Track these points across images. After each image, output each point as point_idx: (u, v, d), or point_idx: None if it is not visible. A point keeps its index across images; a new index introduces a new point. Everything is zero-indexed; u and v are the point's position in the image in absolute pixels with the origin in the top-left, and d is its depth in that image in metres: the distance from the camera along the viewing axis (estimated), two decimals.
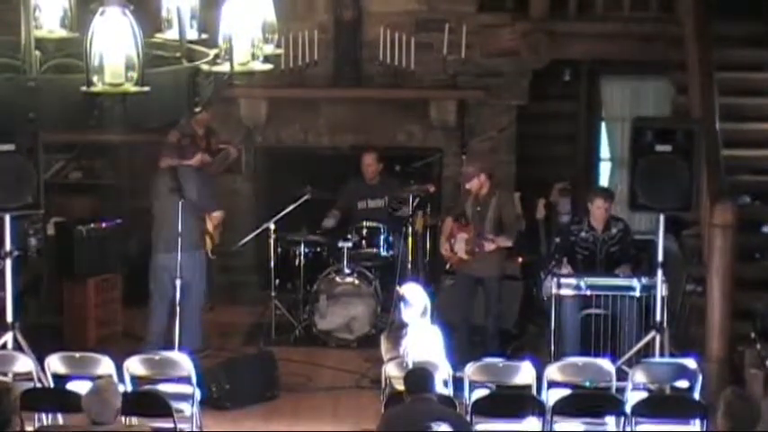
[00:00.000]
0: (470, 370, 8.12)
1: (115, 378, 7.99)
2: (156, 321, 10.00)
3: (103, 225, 10.52)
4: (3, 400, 6.24)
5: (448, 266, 10.48)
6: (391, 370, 8.10)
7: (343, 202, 11.33)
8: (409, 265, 10.81)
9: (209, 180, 10.55)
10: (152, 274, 10.09)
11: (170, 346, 9.31)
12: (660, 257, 9.32)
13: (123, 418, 7.65)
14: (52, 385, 8.05)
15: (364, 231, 10.95)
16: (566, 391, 8.04)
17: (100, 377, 7.77)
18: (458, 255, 10.11)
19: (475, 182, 10.03)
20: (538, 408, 7.80)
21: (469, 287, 10.15)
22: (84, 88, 4.43)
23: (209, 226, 10.28)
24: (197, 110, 5.10)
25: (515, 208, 10.60)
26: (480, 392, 8.04)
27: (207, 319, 10.54)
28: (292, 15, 11.32)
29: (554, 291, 9.63)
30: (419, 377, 6.96)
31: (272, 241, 10.86)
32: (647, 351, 9.21)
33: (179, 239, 9.74)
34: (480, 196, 10.06)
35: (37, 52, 4.82)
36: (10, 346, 8.89)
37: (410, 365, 7.77)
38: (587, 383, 8.35)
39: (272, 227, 10.83)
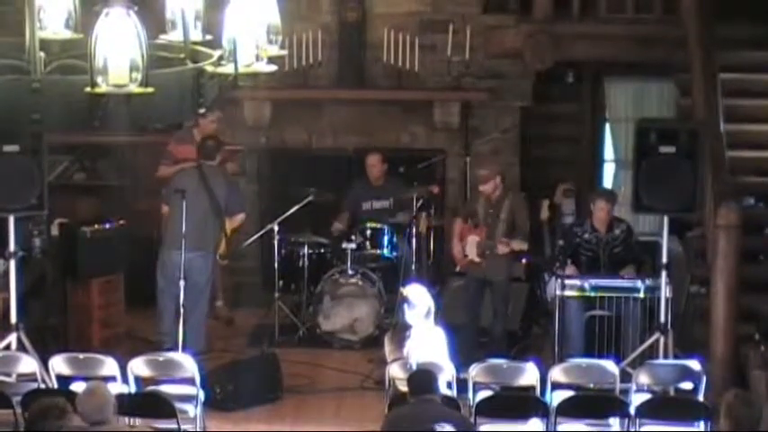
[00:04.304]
0: (474, 371, 8.12)
1: (119, 379, 8.02)
2: (167, 322, 9.93)
3: (107, 226, 10.51)
4: (47, 421, 6.15)
5: (457, 268, 10.47)
6: (395, 371, 8.09)
7: (349, 205, 11.34)
8: (413, 267, 10.81)
9: (234, 182, 10.59)
10: (163, 272, 10.02)
11: (174, 348, 9.32)
12: (664, 259, 9.33)
13: (127, 419, 7.69)
14: (56, 386, 8.05)
15: (368, 232, 10.95)
16: (570, 393, 8.05)
17: (104, 378, 7.78)
18: (469, 257, 10.11)
19: (491, 184, 10.03)
20: (542, 409, 7.80)
21: (478, 289, 10.15)
22: (88, 89, 4.44)
23: (228, 227, 10.25)
24: (201, 111, 5.10)
25: (527, 211, 10.59)
26: (484, 394, 8.04)
27: (210, 322, 10.56)
28: (296, 16, 11.33)
29: (558, 292, 9.64)
30: (423, 378, 6.97)
31: (275, 242, 10.85)
32: (651, 352, 9.22)
33: (198, 238, 9.75)
34: (493, 198, 10.06)
35: (41, 53, 4.82)
36: (14, 346, 8.91)
37: (414, 367, 7.77)
38: (591, 385, 8.35)
39: (276, 228, 10.83)
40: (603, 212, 9.88)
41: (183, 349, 9.21)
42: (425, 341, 8.21)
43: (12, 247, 9.10)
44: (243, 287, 11.91)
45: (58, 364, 8.13)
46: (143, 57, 4.43)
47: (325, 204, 11.22)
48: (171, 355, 8.50)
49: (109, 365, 8.05)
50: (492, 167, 10.29)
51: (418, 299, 8.34)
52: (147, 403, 7.82)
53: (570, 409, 7.78)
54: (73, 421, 6.15)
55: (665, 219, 9.35)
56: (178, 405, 7.77)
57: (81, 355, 8.23)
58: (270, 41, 5.11)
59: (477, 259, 10.05)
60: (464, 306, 10.22)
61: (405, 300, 8.42)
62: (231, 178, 10.56)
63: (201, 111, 5.13)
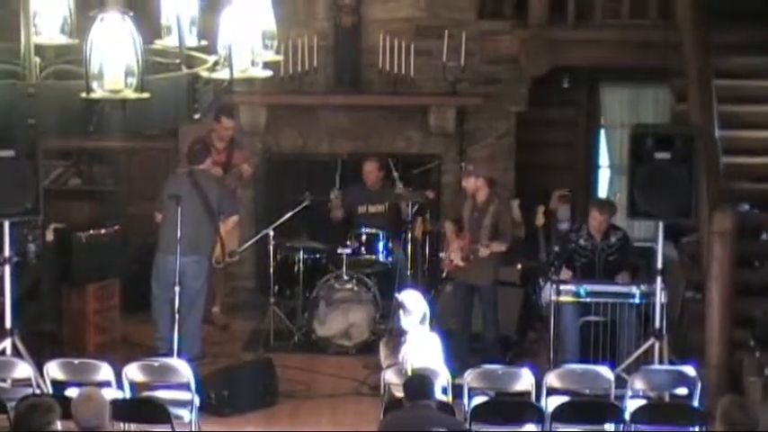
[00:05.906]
0: (469, 377, 8.12)
1: (114, 384, 8.01)
2: (162, 328, 9.90)
3: (102, 231, 10.50)
4: (35, 416, 6.17)
5: (444, 274, 10.47)
6: (390, 377, 8.09)
7: (345, 208, 11.33)
8: (408, 272, 10.81)
9: (226, 185, 10.59)
10: (157, 278, 10.01)
11: (169, 353, 9.31)
12: (659, 264, 9.33)
13: (122, 425, 7.69)
14: (51, 391, 8.04)
15: (363, 238, 10.95)
16: (565, 398, 8.05)
17: (99, 384, 7.77)
18: (453, 262, 10.12)
19: (471, 181, 10.04)
20: (537, 414, 7.80)
21: (466, 294, 10.16)
22: (83, 94, 4.44)
23: (222, 230, 10.24)
24: (196, 116, 5.09)
25: (513, 216, 10.60)
26: (479, 399, 8.04)
27: (205, 327, 10.55)
28: (292, 22, 11.32)
29: (553, 297, 9.64)
30: (418, 384, 6.96)
31: (271, 248, 10.85)
32: (647, 358, 9.22)
33: (193, 243, 9.74)
34: (478, 203, 10.06)
35: (37, 58, 4.81)
36: (9, 352, 8.90)
37: (409, 372, 7.76)
38: (586, 390, 8.35)
39: (272, 233, 10.82)
40: (597, 222, 9.92)
41: (179, 355, 9.21)
42: (421, 347, 8.20)
43: (6, 252, 9.10)
44: (238, 292, 11.91)
45: (53, 369, 8.12)
46: (138, 62, 4.42)
47: (321, 210, 11.22)
48: (166, 360, 8.49)
49: (104, 371, 8.04)
50: (479, 169, 10.28)
51: (413, 304, 8.33)
52: (142, 409, 7.82)
53: (565, 415, 7.77)
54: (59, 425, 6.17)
55: (661, 224, 9.36)
56: (173, 410, 7.76)
57: (76, 361, 8.22)
58: (265, 46, 5.10)
59: (461, 263, 10.06)
60: (454, 311, 10.22)
61: (400, 305, 8.41)
62: (223, 181, 10.56)
63: (197, 116, 5.11)
